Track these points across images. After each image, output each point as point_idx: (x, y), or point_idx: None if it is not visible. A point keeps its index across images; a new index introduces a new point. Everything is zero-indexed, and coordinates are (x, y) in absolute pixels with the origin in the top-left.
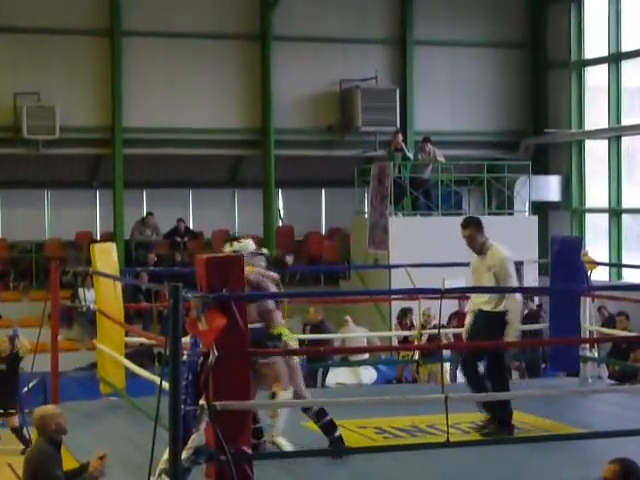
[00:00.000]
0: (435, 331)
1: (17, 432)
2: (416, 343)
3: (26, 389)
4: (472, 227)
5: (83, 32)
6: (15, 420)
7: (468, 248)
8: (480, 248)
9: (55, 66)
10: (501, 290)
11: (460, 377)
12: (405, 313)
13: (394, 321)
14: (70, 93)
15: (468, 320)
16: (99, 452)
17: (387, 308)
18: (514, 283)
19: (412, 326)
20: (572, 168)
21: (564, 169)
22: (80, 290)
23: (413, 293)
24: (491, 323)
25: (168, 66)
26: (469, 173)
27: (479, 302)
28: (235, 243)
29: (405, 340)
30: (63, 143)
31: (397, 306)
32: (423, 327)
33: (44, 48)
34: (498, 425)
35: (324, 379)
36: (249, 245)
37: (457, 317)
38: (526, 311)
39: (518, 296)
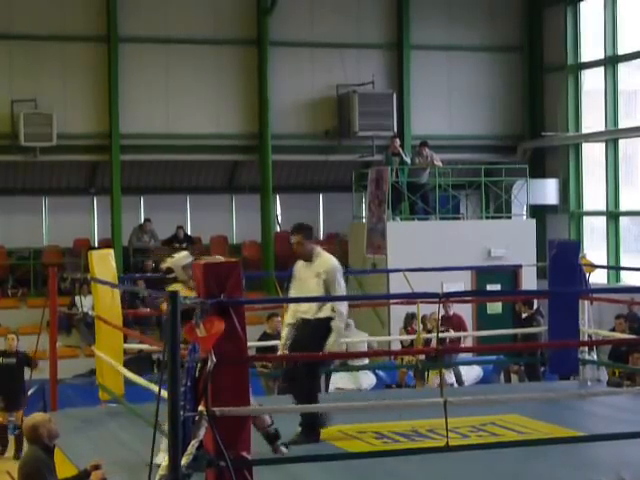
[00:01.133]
0: (431, 335)
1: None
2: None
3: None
4: (301, 234)
5: (80, 38)
6: (20, 417)
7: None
8: (308, 255)
9: (52, 73)
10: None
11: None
12: (412, 318)
13: (397, 326)
14: (67, 100)
15: (286, 331)
16: (94, 461)
17: (385, 313)
18: (343, 291)
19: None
20: (569, 171)
21: (561, 172)
22: (77, 298)
23: (411, 297)
24: (315, 331)
25: (165, 72)
26: (467, 177)
27: (302, 311)
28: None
29: (411, 345)
30: (60, 150)
31: (395, 311)
32: (430, 332)
33: (41, 55)
34: (304, 434)
35: (327, 384)
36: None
37: (445, 321)
38: (524, 315)
39: (344, 305)
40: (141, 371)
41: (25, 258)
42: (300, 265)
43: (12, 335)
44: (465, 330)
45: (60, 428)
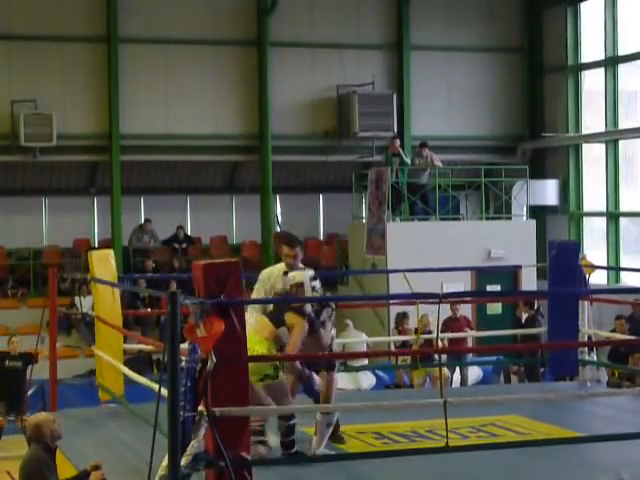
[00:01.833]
0: (430, 336)
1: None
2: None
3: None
4: (301, 247)
5: (80, 39)
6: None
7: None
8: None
9: (52, 73)
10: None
11: (455, 381)
12: (402, 318)
13: (392, 326)
14: (67, 100)
15: None
16: (94, 461)
17: (385, 313)
18: None
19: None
20: (569, 172)
21: (561, 173)
22: (76, 298)
23: (411, 298)
24: None
25: (165, 72)
26: (466, 178)
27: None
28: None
29: (403, 345)
30: (60, 150)
31: (395, 311)
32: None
33: (40, 55)
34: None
35: None
36: None
37: (452, 323)
38: (525, 315)
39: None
40: (141, 371)
41: (25, 258)
42: (277, 275)
43: (16, 338)
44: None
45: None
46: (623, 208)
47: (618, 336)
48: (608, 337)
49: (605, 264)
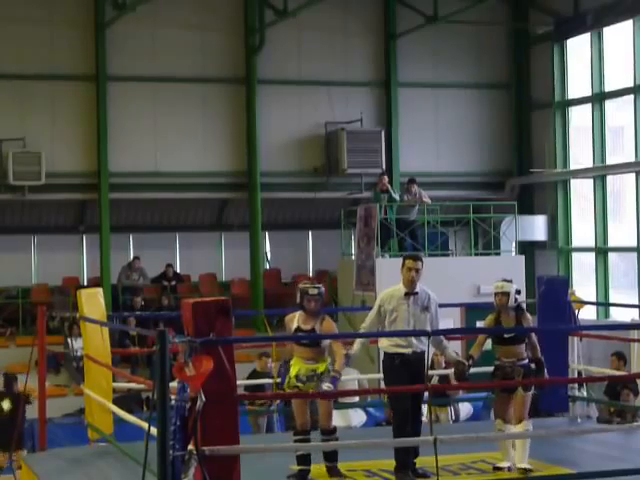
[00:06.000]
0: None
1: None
2: None
3: None
4: (422, 263)
5: (68, 77)
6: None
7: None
8: (415, 286)
9: (40, 112)
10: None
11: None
12: None
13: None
14: (56, 138)
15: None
16: None
17: (375, 350)
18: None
19: None
20: (558, 207)
21: (550, 209)
22: (69, 340)
23: (400, 335)
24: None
25: (153, 110)
26: (455, 214)
27: (416, 343)
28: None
29: None
30: (49, 188)
31: None
32: None
33: (29, 94)
34: (397, 470)
35: None
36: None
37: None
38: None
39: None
40: (130, 410)
41: (13, 297)
42: (400, 298)
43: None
44: None
45: (49, 468)
46: (611, 243)
47: (608, 372)
48: (598, 373)
49: (594, 299)
